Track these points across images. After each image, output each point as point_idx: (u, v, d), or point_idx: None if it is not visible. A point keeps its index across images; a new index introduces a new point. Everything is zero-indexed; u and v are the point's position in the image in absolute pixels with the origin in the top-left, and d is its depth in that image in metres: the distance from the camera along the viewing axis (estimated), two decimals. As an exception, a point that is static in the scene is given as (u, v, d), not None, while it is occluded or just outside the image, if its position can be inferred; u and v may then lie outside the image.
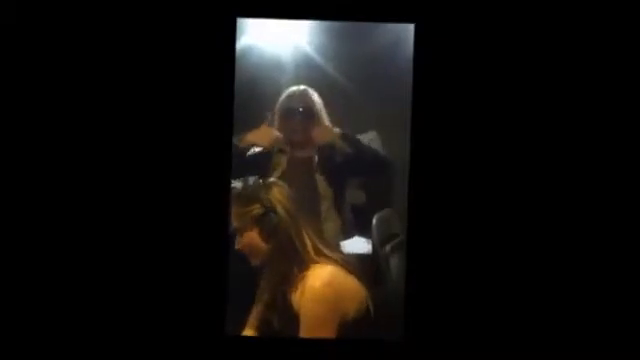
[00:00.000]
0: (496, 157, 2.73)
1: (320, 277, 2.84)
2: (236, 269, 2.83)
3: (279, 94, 3.40)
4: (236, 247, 2.98)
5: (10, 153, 2.73)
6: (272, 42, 3.19)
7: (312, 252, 2.90)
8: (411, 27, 2.74)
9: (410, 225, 2.77)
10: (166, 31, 2.73)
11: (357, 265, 2.95)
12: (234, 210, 2.95)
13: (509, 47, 2.73)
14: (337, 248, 3.07)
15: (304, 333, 2.78)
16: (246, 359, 2.77)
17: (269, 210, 2.95)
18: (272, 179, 3.17)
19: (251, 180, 3.10)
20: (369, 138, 3.23)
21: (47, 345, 2.72)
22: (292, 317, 2.84)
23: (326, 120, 3.39)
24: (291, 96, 3.39)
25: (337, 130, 3.35)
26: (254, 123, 3.36)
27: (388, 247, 3.01)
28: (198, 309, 2.72)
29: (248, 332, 2.94)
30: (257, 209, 2.97)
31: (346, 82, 3.26)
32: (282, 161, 3.38)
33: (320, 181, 3.30)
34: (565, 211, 2.72)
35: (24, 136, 2.74)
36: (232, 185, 2.90)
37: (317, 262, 2.88)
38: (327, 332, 2.77)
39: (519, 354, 2.71)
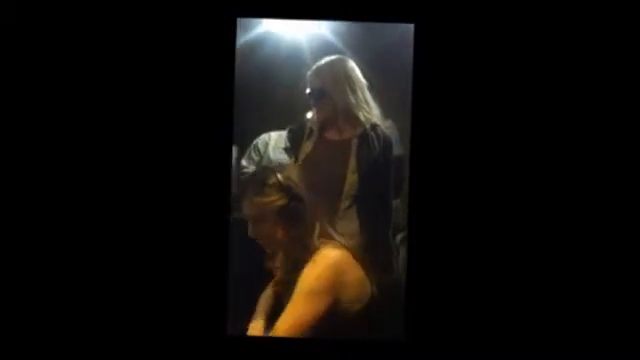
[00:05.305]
0: (495, 155, 2.74)
1: (326, 256, 2.84)
2: (236, 269, 2.82)
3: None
4: (250, 234, 2.90)
5: (10, 153, 2.74)
6: (278, 38, 3.12)
7: (316, 238, 2.87)
8: (411, 27, 2.75)
9: (410, 223, 2.78)
10: (167, 31, 2.74)
11: (369, 254, 2.93)
12: (250, 197, 2.89)
13: (508, 47, 2.73)
14: (349, 236, 2.99)
15: (292, 303, 2.77)
16: (246, 359, 2.78)
17: (293, 199, 2.89)
18: (285, 161, 3.09)
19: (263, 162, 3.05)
20: (385, 126, 3.16)
21: (47, 345, 2.73)
22: None
23: (361, 100, 3.09)
24: (314, 72, 3.09)
25: (365, 114, 3.09)
26: (256, 121, 3.27)
27: (398, 237, 3.00)
28: (199, 309, 2.73)
29: (258, 322, 2.90)
30: (280, 200, 2.90)
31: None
32: (308, 144, 3.12)
33: (351, 173, 3.05)
34: (564, 206, 2.72)
35: (24, 136, 2.74)
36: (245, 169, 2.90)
37: (324, 245, 2.87)
38: (316, 307, 2.76)
39: (519, 352, 2.72)
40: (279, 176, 2.93)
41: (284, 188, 2.91)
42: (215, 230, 2.76)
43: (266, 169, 3.01)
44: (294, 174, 2.99)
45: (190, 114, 2.75)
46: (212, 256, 2.75)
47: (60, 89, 2.74)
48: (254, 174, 3.01)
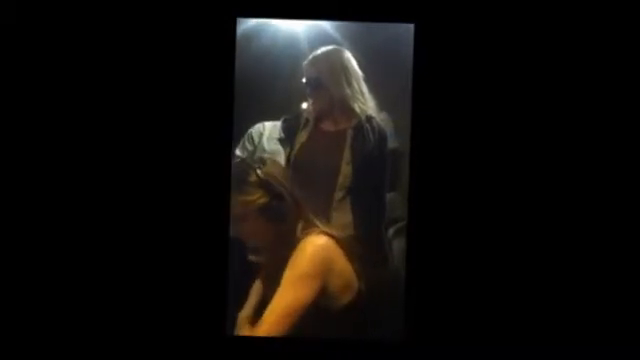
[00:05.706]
0: (494, 154, 2.75)
1: (312, 242, 2.80)
2: (236, 269, 2.82)
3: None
4: (232, 235, 2.84)
5: (10, 153, 2.74)
6: (275, 28, 3.11)
7: (299, 232, 2.83)
8: (411, 27, 2.76)
9: (410, 218, 2.79)
10: (167, 31, 2.73)
11: (361, 246, 2.93)
12: (233, 196, 2.82)
13: (508, 47, 2.74)
14: (341, 227, 2.98)
15: (280, 292, 2.73)
16: (246, 359, 2.80)
17: (274, 197, 2.83)
18: (266, 155, 3.06)
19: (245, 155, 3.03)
20: (380, 118, 3.14)
21: (47, 345, 2.74)
22: None
23: (357, 91, 3.05)
24: (310, 62, 3.06)
25: (361, 106, 3.05)
26: (254, 112, 3.24)
27: (391, 230, 2.99)
28: (198, 309, 2.74)
29: (245, 317, 2.86)
30: (261, 198, 2.85)
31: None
32: (303, 134, 3.09)
33: (345, 164, 3.03)
34: (563, 200, 2.74)
35: (23, 136, 2.74)
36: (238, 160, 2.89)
37: (309, 233, 2.83)
38: (304, 293, 2.73)
39: (519, 348, 2.74)
40: (259, 172, 2.87)
41: (264, 185, 2.85)
42: (214, 230, 2.77)
43: (246, 165, 2.93)
44: (275, 170, 2.95)
45: (189, 114, 2.75)
46: (211, 256, 2.76)
47: (60, 88, 2.73)
48: (236, 169, 2.96)
